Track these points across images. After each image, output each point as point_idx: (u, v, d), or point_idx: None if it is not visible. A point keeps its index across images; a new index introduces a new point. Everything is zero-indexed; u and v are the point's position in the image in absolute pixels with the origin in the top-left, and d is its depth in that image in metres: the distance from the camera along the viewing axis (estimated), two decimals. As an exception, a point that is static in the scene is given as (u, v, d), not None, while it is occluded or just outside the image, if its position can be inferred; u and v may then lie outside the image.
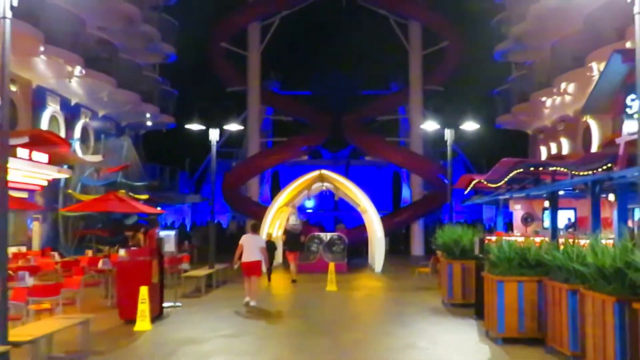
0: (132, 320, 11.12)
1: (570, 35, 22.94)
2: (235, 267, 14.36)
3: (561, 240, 14.21)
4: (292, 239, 19.59)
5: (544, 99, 26.06)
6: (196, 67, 35.01)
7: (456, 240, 13.91)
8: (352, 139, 34.39)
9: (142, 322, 10.91)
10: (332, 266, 17.50)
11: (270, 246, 18.55)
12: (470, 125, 18.99)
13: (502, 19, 30.75)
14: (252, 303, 13.68)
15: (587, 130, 24.31)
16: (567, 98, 24.95)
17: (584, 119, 24.59)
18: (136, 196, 25.05)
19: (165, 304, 13.50)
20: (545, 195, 21.86)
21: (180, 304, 13.87)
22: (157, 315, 12.09)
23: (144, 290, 10.99)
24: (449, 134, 18.14)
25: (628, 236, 7.36)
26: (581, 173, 15.84)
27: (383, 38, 36.19)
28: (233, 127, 19.42)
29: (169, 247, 13.40)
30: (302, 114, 37.10)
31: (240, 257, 13.94)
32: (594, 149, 23.93)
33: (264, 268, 15.25)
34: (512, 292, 9.49)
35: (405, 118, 36.49)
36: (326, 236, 25.74)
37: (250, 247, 13.85)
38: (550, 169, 18.07)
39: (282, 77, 47.19)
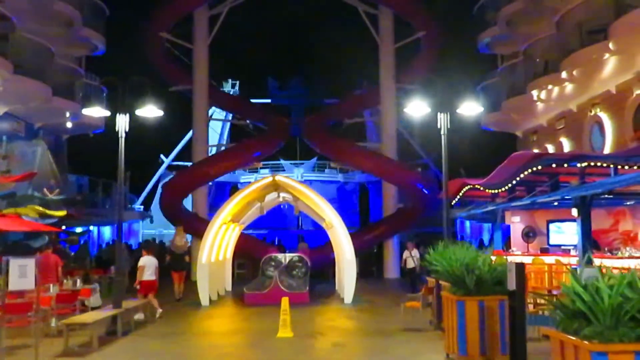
0: None
1: (579, 5, 18.66)
2: (137, 287, 15.33)
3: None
4: (176, 259, 19.87)
5: (535, 92, 21.87)
6: (132, 63, 29.84)
7: (468, 265, 9.22)
8: (315, 143, 29.42)
9: None
10: (285, 302, 12.52)
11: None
12: (469, 109, 14.35)
13: (487, 3, 26.63)
14: (159, 311, 15.16)
15: (598, 126, 20.19)
16: (569, 88, 20.76)
17: (593, 112, 20.49)
18: (50, 212, 20.00)
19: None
20: (556, 204, 17.57)
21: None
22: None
23: None
24: (442, 119, 13.49)
25: None
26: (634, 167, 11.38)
27: (350, 34, 31.83)
28: (149, 111, 14.39)
29: (21, 283, 8.41)
30: (257, 116, 32.06)
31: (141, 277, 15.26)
32: (607, 148, 19.75)
33: None
34: (627, 375, 4.82)
35: (372, 122, 32.04)
36: (285, 257, 21.29)
37: (150, 268, 15.30)
38: (579, 165, 13.68)
39: (237, 83, 42.94)
